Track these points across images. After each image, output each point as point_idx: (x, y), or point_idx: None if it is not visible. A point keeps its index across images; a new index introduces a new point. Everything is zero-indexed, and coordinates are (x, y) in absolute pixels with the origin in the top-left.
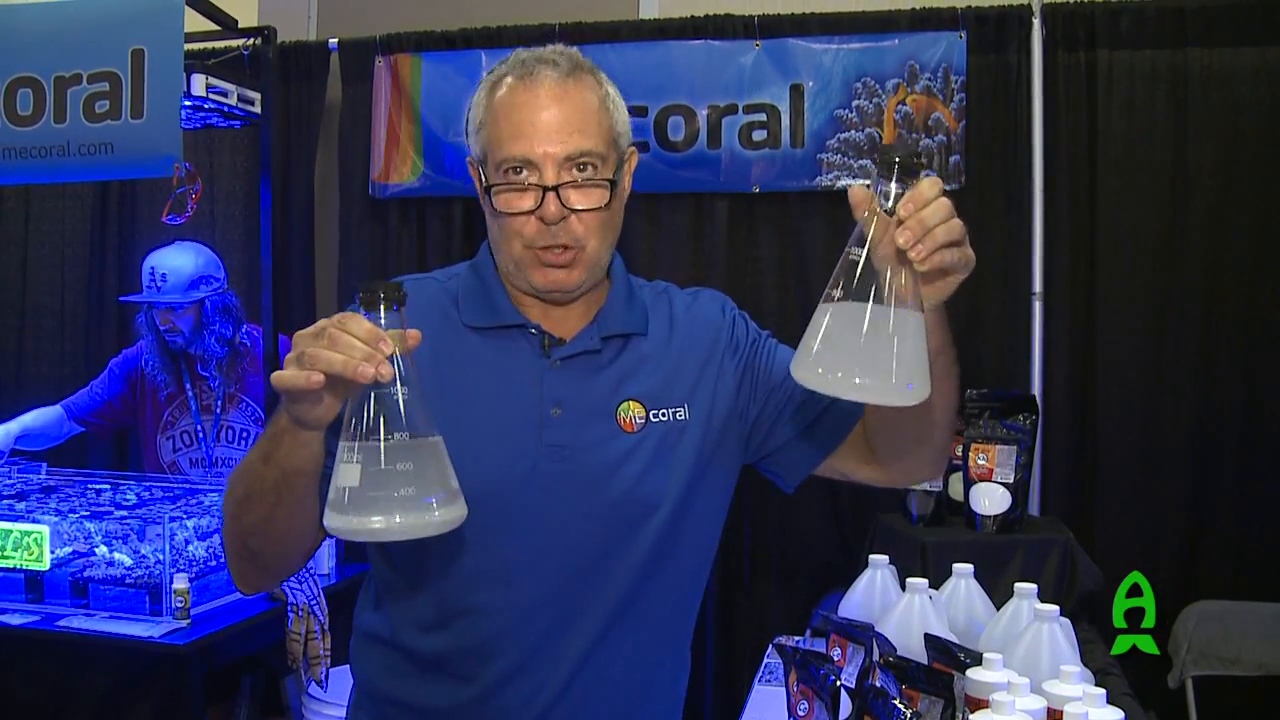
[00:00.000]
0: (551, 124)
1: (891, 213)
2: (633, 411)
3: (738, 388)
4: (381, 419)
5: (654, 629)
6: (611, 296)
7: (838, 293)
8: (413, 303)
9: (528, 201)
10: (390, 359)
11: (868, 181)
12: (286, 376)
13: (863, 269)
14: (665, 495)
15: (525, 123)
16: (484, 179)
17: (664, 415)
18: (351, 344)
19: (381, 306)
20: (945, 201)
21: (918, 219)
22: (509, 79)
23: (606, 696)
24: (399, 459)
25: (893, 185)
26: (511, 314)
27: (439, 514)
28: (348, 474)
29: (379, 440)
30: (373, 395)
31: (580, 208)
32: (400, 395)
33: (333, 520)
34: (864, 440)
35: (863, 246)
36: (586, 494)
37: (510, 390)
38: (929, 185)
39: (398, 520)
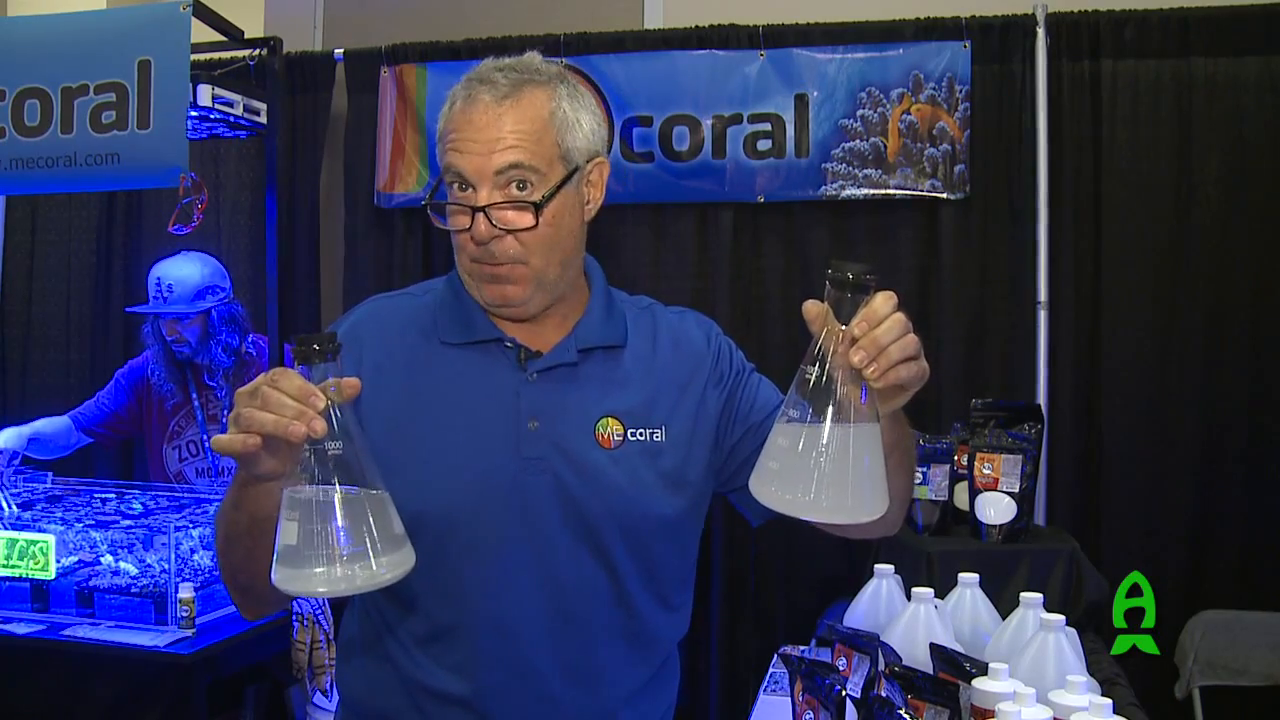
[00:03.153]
0: (483, 141)
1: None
2: (611, 428)
3: (718, 419)
4: (318, 474)
5: (638, 644)
6: (590, 308)
7: (794, 412)
8: (388, 321)
9: (465, 220)
10: (326, 413)
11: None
12: (224, 441)
13: (818, 388)
14: (641, 514)
15: (462, 140)
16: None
17: (642, 435)
18: (282, 403)
19: (315, 359)
20: (900, 317)
21: (871, 338)
22: (459, 96)
23: (595, 707)
24: (336, 514)
25: (846, 302)
26: (487, 328)
27: (384, 567)
28: (287, 531)
29: (315, 497)
30: (310, 451)
31: (511, 228)
32: (336, 449)
33: (278, 576)
34: None
35: (817, 364)
36: (564, 507)
37: (487, 404)
38: (882, 301)
39: (339, 576)
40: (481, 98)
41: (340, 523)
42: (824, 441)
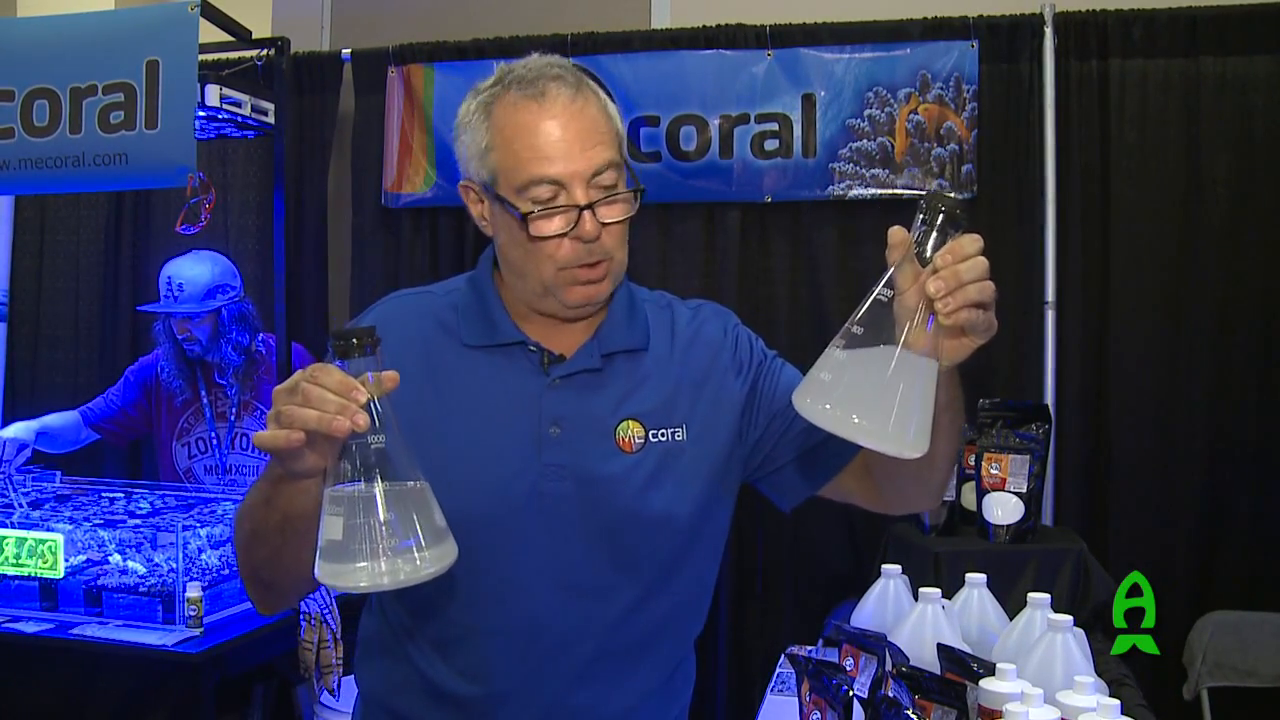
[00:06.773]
0: (574, 141)
1: (926, 262)
2: (632, 431)
3: (741, 411)
4: (361, 469)
5: (655, 646)
6: (612, 310)
7: (858, 330)
8: (410, 320)
9: (560, 223)
10: (367, 406)
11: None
12: (266, 437)
13: (888, 312)
14: (664, 516)
15: (546, 143)
16: (510, 205)
17: (663, 435)
18: (324, 398)
19: (355, 354)
20: (983, 261)
21: (953, 271)
22: (514, 96)
23: (609, 710)
24: (380, 509)
25: (934, 233)
26: (511, 332)
27: (428, 561)
28: (332, 526)
29: (359, 491)
30: (352, 445)
31: (611, 220)
32: (379, 443)
33: (322, 573)
34: (865, 469)
35: (892, 289)
36: (585, 514)
37: (509, 409)
38: (970, 241)
39: (384, 571)
40: (559, 92)
41: (384, 516)
42: (885, 365)
